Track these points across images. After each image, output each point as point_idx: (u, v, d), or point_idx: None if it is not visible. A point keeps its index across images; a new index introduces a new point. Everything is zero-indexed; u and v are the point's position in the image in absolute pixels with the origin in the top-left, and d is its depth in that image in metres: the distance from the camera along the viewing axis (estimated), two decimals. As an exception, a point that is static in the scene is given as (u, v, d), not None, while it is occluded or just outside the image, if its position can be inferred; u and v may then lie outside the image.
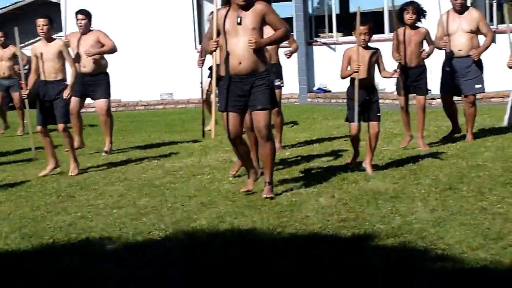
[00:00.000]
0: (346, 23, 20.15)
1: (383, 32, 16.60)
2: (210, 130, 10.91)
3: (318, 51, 17.13)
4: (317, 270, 4.38)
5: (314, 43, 17.30)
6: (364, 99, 7.12)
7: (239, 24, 6.21)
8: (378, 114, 7.22)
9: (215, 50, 6.40)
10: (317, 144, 9.55)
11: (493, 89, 12.75)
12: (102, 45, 9.59)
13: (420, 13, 8.32)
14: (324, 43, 17.19)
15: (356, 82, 7.03)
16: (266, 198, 6.22)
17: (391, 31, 16.74)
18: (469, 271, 4.21)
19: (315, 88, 17.07)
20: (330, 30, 17.49)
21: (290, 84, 13.93)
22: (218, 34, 6.34)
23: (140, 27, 17.28)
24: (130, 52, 16.65)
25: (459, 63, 8.72)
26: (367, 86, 7.14)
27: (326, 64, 16.31)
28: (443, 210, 5.55)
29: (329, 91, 16.77)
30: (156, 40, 17.33)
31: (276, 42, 6.57)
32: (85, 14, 9.68)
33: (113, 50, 9.68)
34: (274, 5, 11.13)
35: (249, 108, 6.38)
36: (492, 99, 13.84)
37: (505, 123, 7.30)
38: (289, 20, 18.54)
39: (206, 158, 8.74)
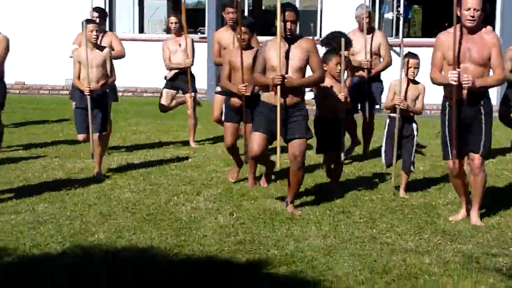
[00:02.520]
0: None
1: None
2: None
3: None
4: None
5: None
6: None
7: (286, 58, 6.34)
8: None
9: (280, 84, 6.28)
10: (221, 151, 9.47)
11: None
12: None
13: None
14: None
15: None
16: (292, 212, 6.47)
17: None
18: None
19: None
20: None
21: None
22: (264, 67, 6.41)
23: (49, 9, 16.87)
24: (37, 33, 16.31)
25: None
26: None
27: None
28: (335, 237, 5.80)
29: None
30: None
31: (309, 85, 6.61)
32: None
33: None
34: None
35: (287, 136, 6.48)
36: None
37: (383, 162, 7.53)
38: (200, 11, 18.49)
39: (109, 161, 8.70)
